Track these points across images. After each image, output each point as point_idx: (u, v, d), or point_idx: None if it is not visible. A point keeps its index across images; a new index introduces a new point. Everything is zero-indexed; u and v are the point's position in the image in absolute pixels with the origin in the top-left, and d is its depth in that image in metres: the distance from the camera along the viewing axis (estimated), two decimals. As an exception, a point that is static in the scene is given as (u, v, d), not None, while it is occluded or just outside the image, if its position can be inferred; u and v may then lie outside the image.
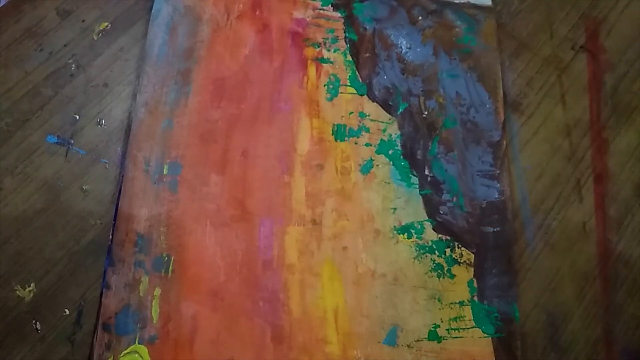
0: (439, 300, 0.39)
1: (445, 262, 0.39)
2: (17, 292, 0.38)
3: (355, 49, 0.45)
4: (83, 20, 0.46)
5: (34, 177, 0.41)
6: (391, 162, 0.42)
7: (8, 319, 0.38)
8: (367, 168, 0.42)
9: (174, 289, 0.38)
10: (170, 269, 0.39)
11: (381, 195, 0.41)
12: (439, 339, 0.38)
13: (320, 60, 0.45)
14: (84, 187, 0.41)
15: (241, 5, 0.46)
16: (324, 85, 0.44)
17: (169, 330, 0.37)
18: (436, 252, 0.40)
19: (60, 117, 0.43)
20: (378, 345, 0.37)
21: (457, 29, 0.46)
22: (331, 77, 0.44)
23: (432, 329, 0.38)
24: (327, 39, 0.46)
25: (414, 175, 0.42)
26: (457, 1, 0.47)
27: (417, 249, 0.40)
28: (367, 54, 0.45)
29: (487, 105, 0.44)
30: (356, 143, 0.43)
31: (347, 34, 0.46)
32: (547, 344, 0.39)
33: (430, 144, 0.43)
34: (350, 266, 0.39)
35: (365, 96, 0.44)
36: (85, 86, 0.44)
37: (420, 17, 0.46)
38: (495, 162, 0.42)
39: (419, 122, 0.43)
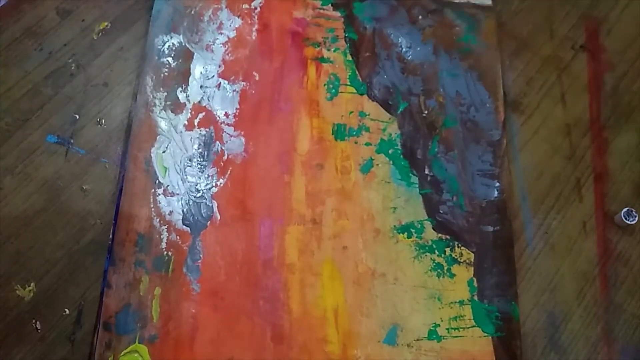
0: (438, 300, 0.39)
1: (445, 262, 0.39)
2: (17, 291, 0.38)
3: (355, 49, 0.45)
4: (83, 20, 0.46)
5: (34, 177, 0.41)
6: (391, 162, 0.42)
7: (8, 319, 0.38)
8: (367, 167, 0.42)
9: (174, 288, 0.38)
10: (170, 269, 0.39)
11: (381, 194, 0.41)
12: (438, 338, 0.38)
13: (320, 60, 0.45)
14: (84, 187, 0.41)
15: (242, 5, 0.46)
16: (324, 85, 0.44)
17: (169, 330, 0.37)
18: (436, 251, 0.40)
19: (60, 117, 0.43)
20: (378, 345, 0.37)
21: (457, 28, 0.46)
22: (331, 76, 0.44)
23: (432, 328, 0.38)
24: (327, 38, 0.46)
25: (414, 175, 0.42)
26: (457, 1, 0.47)
27: (417, 248, 0.40)
28: (367, 54, 0.45)
29: (487, 105, 0.44)
30: (356, 142, 0.43)
31: (347, 34, 0.46)
32: (547, 344, 0.39)
33: (430, 143, 0.43)
34: (350, 265, 0.39)
35: (365, 95, 0.44)
36: (85, 86, 0.44)
37: (420, 17, 0.46)
38: (495, 161, 0.42)
39: (419, 122, 0.43)
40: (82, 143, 0.42)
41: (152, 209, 0.40)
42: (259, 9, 0.46)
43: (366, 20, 0.46)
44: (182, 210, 0.40)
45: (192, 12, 0.46)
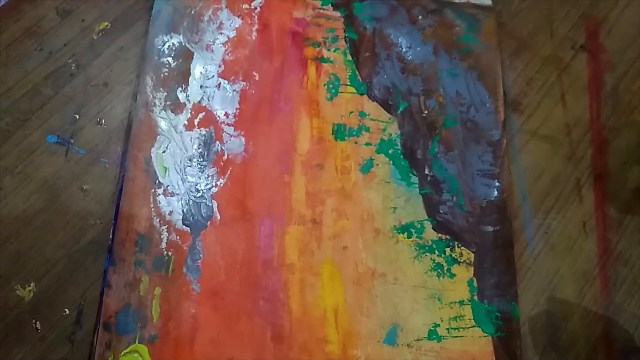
0: (438, 300, 0.39)
1: (445, 262, 0.40)
2: (17, 291, 0.38)
3: (355, 49, 0.45)
4: (83, 20, 0.46)
5: (34, 177, 0.41)
6: (391, 162, 0.42)
7: (8, 319, 0.38)
8: (367, 167, 0.42)
9: (174, 288, 0.38)
10: (170, 269, 0.39)
11: (381, 194, 0.41)
12: (438, 338, 0.38)
13: (320, 60, 0.45)
14: (84, 187, 0.41)
15: (242, 5, 0.46)
16: (324, 85, 0.44)
17: (169, 330, 0.37)
18: (436, 251, 0.40)
19: (60, 117, 0.43)
20: (378, 345, 0.37)
21: (457, 28, 0.46)
22: (331, 76, 0.44)
23: (432, 328, 0.38)
24: (327, 38, 0.46)
25: (414, 175, 0.42)
26: (457, 0, 0.47)
27: (417, 248, 0.40)
28: (367, 54, 0.45)
29: (487, 105, 0.44)
30: (356, 142, 0.43)
31: (347, 34, 0.46)
32: (547, 344, 0.39)
33: (430, 143, 0.43)
34: (350, 265, 0.39)
35: (365, 95, 0.44)
36: (85, 86, 0.44)
37: (420, 17, 0.46)
38: (495, 161, 0.42)
39: (419, 122, 0.43)
40: (82, 143, 0.42)
41: (152, 209, 0.40)
42: (259, 9, 0.46)
43: (366, 20, 0.46)
44: (182, 210, 0.40)
45: (192, 12, 0.46)
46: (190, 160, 0.42)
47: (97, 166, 0.42)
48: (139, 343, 0.37)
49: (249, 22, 0.46)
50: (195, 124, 0.43)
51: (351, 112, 0.43)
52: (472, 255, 0.40)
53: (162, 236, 0.39)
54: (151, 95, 0.43)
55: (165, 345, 0.37)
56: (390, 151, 0.42)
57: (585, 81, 0.46)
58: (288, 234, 0.40)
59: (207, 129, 0.43)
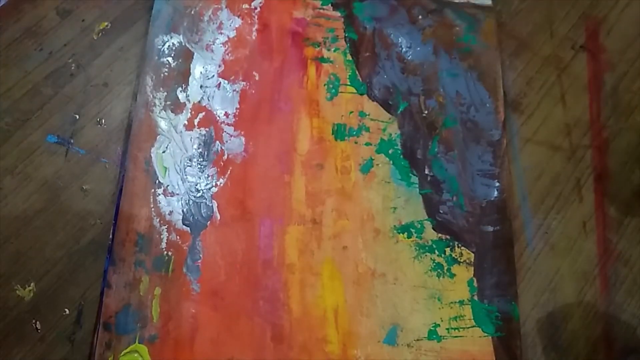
0: (438, 300, 0.39)
1: (445, 262, 0.40)
2: (17, 291, 0.38)
3: (355, 49, 0.45)
4: (83, 20, 0.46)
5: (34, 177, 0.41)
6: (391, 162, 0.42)
7: (8, 319, 0.38)
8: (367, 167, 0.42)
9: (174, 288, 0.38)
10: (170, 269, 0.39)
11: (381, 194, 0.41)
12: (438, 338, 0.38)
13: (320, 60, 0.45)
14: (84, 187, 0.41)
15: (242, 5, 0.46)
16: (324, 85, 0.44)
17: (169, 330, 0.37)
18: (436, 251, 0.40)
19: (60, 117, 0.43)
20: (378, 345, 0.37)
21: (457, 28, 0.46)
22: (331, 76, 0.44)
23: (432, 328, 0.38)
24: (327, 38, 0.46)
25: (414, 175, 0.42)
26: (457, 1, 0.47)
27: (417, 248, 0.40)
28: (367, 54, 0.45)
29: (487, 105, 0.44)
30: (356, 142, 0.43)
31: (347, 34, 0.46)
32: (547, 344, 0.39)
33: (430, 143, 0.43)
34: (350, 265, 0.39)
35: (365, 95, 0.44)
36: (85, 86, 0.44)
37: (420, 17, 0.46)
38: (495, 161, 0.42)
39: (419, 122, 0.43)
40: (82, 143, 0.42)
41: (152, 209, 0.40)
42: (259, 9, 0.46)
43: (366, 20, 0.46)
44: (182, 210, 0.40)
45: (192, 12, 0.46)
46: (190, 160, 0.42)
47: (97, 166, 0.42)
48: (139, 343, 0.37)
49: (249, 22, 0.46)
50: (195, 124, 0.43)
51: (351, 112, 0.43)
52: (472, 255, 0.40)
53: (162, 236, 0.39)
54: (151, 95, 0.43)
55: (165, 345, 0.37)
56: (390, 151, 0.42)
57: (585, 81, 0.46)
58: (288, 234, 0.40)
59: (207, 129, 0.43)
